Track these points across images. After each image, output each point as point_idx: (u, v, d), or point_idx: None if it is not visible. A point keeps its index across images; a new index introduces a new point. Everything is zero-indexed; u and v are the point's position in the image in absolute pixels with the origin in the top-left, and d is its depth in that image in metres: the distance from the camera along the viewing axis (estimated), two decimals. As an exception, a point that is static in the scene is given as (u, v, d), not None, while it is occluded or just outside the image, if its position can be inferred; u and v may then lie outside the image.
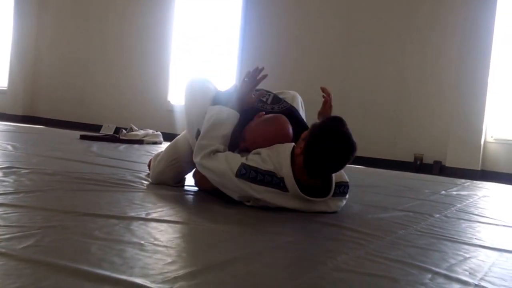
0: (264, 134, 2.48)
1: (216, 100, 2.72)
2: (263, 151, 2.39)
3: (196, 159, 2.49)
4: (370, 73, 7.32)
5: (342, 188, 2.48)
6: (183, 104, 2.96)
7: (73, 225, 1.76)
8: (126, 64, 9.15)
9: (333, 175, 2.41)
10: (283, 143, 2.43)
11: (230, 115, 2.54)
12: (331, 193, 2.39)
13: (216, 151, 2.45)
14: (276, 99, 2.79)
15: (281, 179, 2.30)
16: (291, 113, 2.71)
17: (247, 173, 2.32)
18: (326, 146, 2.22)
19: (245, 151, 2.51)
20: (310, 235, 2.00)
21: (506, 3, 6.54)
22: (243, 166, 2.33)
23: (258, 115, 2.58)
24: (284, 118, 2.57)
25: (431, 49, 6.96)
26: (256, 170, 2.31)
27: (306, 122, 2.93)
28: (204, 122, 2.56)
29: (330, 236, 2.03)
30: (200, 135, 2.54)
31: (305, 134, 2.34)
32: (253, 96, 2.61)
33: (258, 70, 2.60)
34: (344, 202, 2.55)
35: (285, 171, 2.29)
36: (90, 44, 9.51)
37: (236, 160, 2.37)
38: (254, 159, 2.36)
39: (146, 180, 3.00)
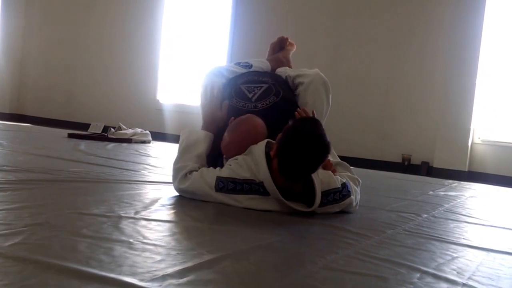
0: (233, 140, 2.46)
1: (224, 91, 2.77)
2: (240, 157, 2.37)
3: (174, 184, 2.51)
4: (358, 73, 7.33)
5: (332, 196, 2.37)
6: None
7: (60, 223, 1.75)
8: (115, 62, 9.11)
9: (317, 184, 2.31)
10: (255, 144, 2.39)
11: (200, 137, 2.56)
12: (315, 205, 2.30)
13: (191, 171, 2.45)
14: (266, 93, 2.73)
15: (260, 184, 2.28)
16: (279, 108, 2.67)
17: (225, 185, 2.32)
18: (297, 147, 2.16)
19: (227, 159, 2.50)
20: (299, 234, 2.00)
21: (495, 5, 6.58)
22: (220, 179, 2.33)
23: (229, 121, 2.56)
24: (252, 118, 2.53)
25: (419, 50, 6.98)
26: (233, 180, 2.31)
27: (328, 104, 2.93)
28: (178, 147, 2.60)
29: (319, 235, 2.03)
30: (174, 160, 2.55)
31: (279, 136, 2.29)
32: (221, 111, 2.63)
33: (212, 89, 2.71)
34: (344, 205, 2.44)
35: (263, 174, 2.26)
36: (78, 43, 9.47)
37: (211, 174, 2.37)
38: (229, 168, 2.35)
39: (135, 178, 2.99)
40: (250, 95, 2.71)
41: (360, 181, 2.66)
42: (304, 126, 2.24)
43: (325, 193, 2.35)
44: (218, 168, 2.41)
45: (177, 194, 2.53)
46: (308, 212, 2.31)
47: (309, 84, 2.89)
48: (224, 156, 2.54)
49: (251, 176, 2.29)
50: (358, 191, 2.59)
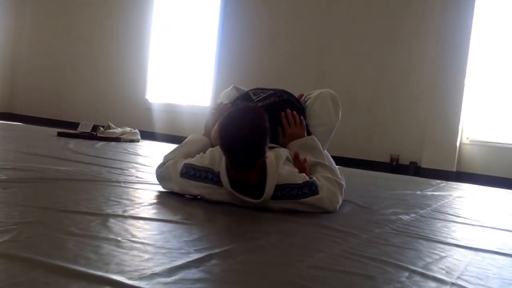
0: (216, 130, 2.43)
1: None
2: (214, 148, 2.45)
3: (156, 171, 2.64)
4: (346, 73, 7.35)
5: (288, 191, 2.31)
6: None
7: (49, 221, 1.74)
8: (104, 62, 9.09)
9: (270, 175, 2.26)
10: None
11: (198, 139, 2.67)
12: (265, 195, 2.26)
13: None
14: (268, 96, 2.81)
15: (216, 174, 2.32)
16: (279, 107, 2.72)
17: (187, 171, 2.41)
18: (228, 136, 2.15)
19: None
20: (287, 233, 2.01)
21: (484, 5, 6.61)
22: (185, 165, 2.43)
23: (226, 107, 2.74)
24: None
25: (407, 49, 7.00)
26: (193, 167, 2.39)
27: (337, 117, 3.00)
28: None
29: (307, 234, 2.03)
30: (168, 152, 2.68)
31: None
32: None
33: (225, 105, 2.78)
34: (307, 204, 2.37)
35: (221, 165, 2.30)
36: (68, 42, 9.44)
37: (181, 163, 2.46)
38: (196, 157, 2.45)
39: (123, 177, 2.99)
40: (254, 97, 2.81)
41: (343, 184, 2.59)
42: (235, 114, 2.24)
43: (280, 187, 2.29)
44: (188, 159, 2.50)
45: (165, 192, 2.54)
46: (295, 211, 2.33)
47: (317, 96, 2.98)
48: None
49: (210, 164, 2.34)
50: (338, 193, 2.50)
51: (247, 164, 2.21)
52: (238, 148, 2.15)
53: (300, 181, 2.34)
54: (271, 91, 2.86)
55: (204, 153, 2.47)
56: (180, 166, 2.45)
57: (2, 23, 9.75)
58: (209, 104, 7.91)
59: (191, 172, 2.39)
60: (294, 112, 2.72)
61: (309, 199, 2.36)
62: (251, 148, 2.16)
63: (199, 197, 2.42)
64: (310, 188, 2.36)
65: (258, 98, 2.79)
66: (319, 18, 7.54)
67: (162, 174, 2.58)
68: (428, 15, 6.89)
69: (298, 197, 2.33)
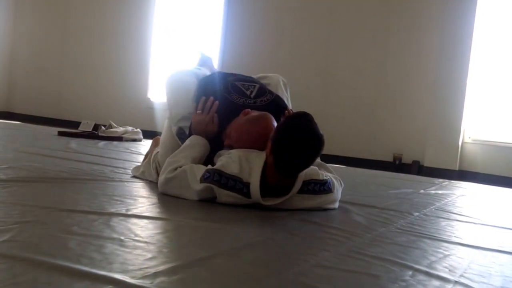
0: (249, 133, 2.45)
1: (199, 89, 2.76)
2: (234, 152, 2.36)
3: (161, 176, 2.46)
4: (349, 72, 7.33)
5: (312, 186, 2.38)
6: (166, 100, 2.94)
7: (50, 220, 1.73)
8: (106, 60, 9.08)
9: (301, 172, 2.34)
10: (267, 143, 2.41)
11: (199, 142, 2.56)
12: (292, 192, 2.31)
13: (182, 166, 2.43)
14: (261, 91, 2.77)
15: (246, 185, 2.26)
16: (277, 105, 2.72)
17: (211, 175, 2.29)
18: (291, 143, 2.17)
19: (229, 148, 2.50)
20: (291, 232, 2.00)
21: (486, 4, 6.59)
22: (207, 170, 2.31)
23: (243, 112, 2.57)
24: (269, 116, 2.52)
25: (410, 49, 6.99)
26: (220, 173, 2.28)
27: (291, 104, 2.95)
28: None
29: (311, 233, 2.03)
30: (168, 157, 2.53)
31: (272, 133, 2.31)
32: (213, 123, 2.62)
33: (211, 102, 2.65)
34: (324, 201, 2.46)
35: (254, 178, 2.25)
36: (68, 40, 9.42)
37: (201, 169, 2.36)
38: (219, 161, 2.34)
39: (125, 176, 2.98)
40: (247, 92, 2.74)
41: (343, 184, 2.68)
42: (295, 121, 2.26)
43: (306, 182, 2.36)
44: (209, 166, 2.39)
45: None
46: (299, 210, 2.34)
47: (276, 83, 2.99)
48: (228, 141, 2.54)
49: (239, 174, 2.27)
50: (340, 193, 2.61)
51: (301, 171, 2.29)
52: (302, 159, 2.21)
53: (321, 178, 2.43)
54: (256, 84, 2.81)
55: (217, 157, 2.45)
56: (198, 171, 2.34)
57: (1, 21, 9.73)
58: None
59: (215, 177, 2.27)
60: (291, 111, 2.74)
61: (326, 197, 2.46)
62: (313, 159, 2.25)
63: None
64: (328, 186, 2.46)
65: (253, 94, 2.73)
66: (323, 17, 7.52)
67: (179, 178, 2.39)
68: (430, 14, 6.87)
69: (318, 193, 2.41)
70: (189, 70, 3.03)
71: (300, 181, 2.32)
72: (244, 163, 2.29)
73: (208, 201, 2.34)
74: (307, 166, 2.27)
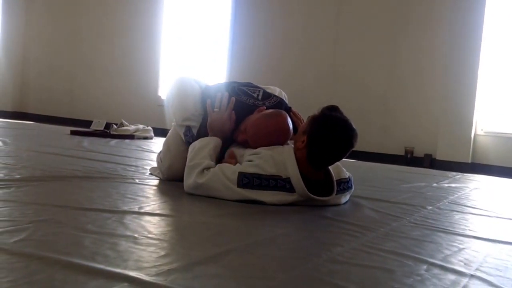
0: (267, 128, 2.47)
1: (204, 95, 2.77)
2: (263, 151, 2.35)
3: (189, 181, 2.41)
4: (359, 66, 7.31)
5: (342, 185, 2.48)
6: (170, 103, 2.93)
7: (65, 219, 1.74)
8: (116, 59, 9.11)
9: (333, 173, 2.42)
10: (284, 137, 2.48)
11: (211, 140, 2.56)
12: (335, 192, 2.40)
13: (208, 167, 2.40)
14: (266, 94, 2.82)
15: (287, 180, 2.28)
16: (284, 106, 2.77)
17: (250, 181, 2.28)
18: (329, 135, 2.25)
19: (243, 143, 2.53)
20: (304, 227, 1.99)
21: (496, -4, 6.56)
22: (244, 175, 2.28)
23: (258, 109, 2.60)
24: (284, 113, 2.56)
25: (420, 41, 6.96)
26: (258, 176, 2.27)
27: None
28: (188, 153, 2.54)
29: (324, 228, 2.02)
30: (187, 161, 2.50)
31: (303, 127, 2.37)
32: (231, 120, 2.63)
33: (226, 98, 2.66)
34: (347, 197, 2.57)
35: (291, 171, 2.28)
36: (79, 40, 9.47)
37: (231, 170, 2.32)
38: (252, 164, 2.31)
39: (138, 174, 2.99)
40: (254, 95, 2.78)
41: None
42: (332, 114, 2.32)
43: (337, 182, 2.44)
44: (237, 165, 2.37)
45: (180, 189, 2.51)
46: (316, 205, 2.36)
47: (279, 92, 3.02)
48: (242, 136, 2.57)
49: (278, 172, 2.28)
50: None
51: (334, 163, 2.41)
52: (338, 150, 2.31)
53: (346, 175, 2.53)
54: (260, 89, 2.85)
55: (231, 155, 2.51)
56: (230, 174, 2.30)
57: (12, 22, 9.79)
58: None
59: (255, 182, 2.26)
60: (296, 110, 2.82)
61: (350, 192, 2.59)
62: (347, 151, 2.33)
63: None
64: (351, 182, 2.58)
65: (260, 96, 2.78)
66: (331, 13, 7.50)
67: (212, 183, 2.33)
68: (440, 6, 6.82)
69: (345, 191, 2.52)
70: (193, 78, 3.04)
71: (334, 180, 2.41)
72: (278, 159, 2.31)
73: (220, 198, 2.33)
74: (341, 158, 2.37)
